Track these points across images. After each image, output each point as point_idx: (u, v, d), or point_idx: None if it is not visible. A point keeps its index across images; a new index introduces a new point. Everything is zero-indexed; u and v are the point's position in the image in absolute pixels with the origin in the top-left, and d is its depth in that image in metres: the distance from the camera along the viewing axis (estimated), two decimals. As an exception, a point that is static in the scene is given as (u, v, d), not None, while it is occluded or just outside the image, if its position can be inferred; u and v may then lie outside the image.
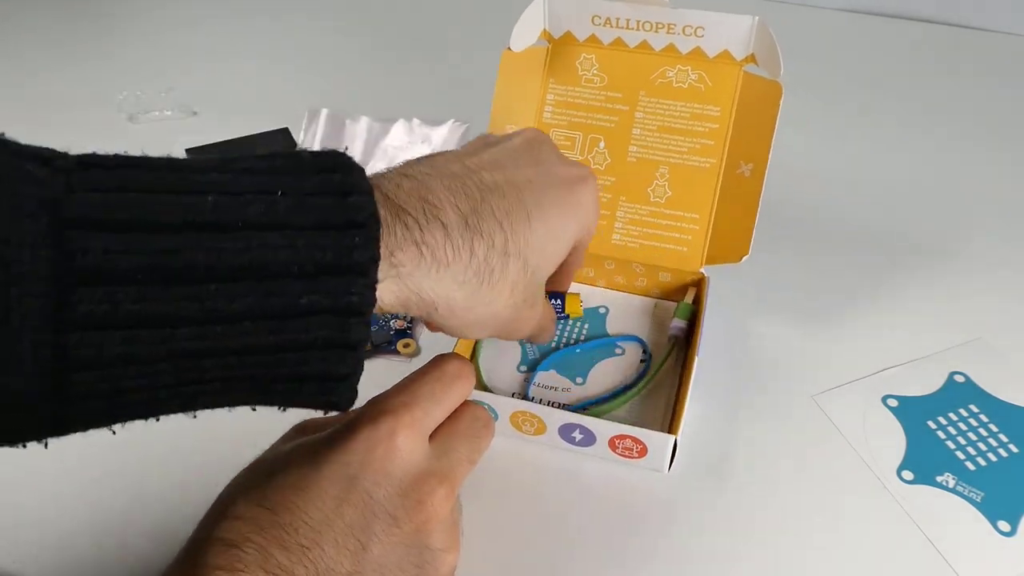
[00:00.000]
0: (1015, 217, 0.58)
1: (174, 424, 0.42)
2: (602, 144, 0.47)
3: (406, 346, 0.47)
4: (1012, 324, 0.49)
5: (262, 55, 0.76)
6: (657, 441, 0.39)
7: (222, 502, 0.29)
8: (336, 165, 0.26)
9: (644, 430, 0.39)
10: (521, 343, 0.48)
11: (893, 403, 0.45)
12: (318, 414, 0.29)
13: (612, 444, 0.40)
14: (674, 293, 0.50)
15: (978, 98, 0.70)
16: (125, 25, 0.80)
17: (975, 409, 0.44)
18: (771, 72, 0.44)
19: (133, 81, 0.70)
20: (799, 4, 0.82)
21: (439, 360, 0.33)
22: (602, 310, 0.50)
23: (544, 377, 0.46)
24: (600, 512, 0.40)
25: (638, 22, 0.46)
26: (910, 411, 0.44)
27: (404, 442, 0.29)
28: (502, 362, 0.47)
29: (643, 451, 0.40)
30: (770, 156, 0.45)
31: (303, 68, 0.74)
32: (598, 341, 0.48)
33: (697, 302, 0.47)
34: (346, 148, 0.28)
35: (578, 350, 0.47)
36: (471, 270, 0.29)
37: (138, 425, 0.42)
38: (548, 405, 0.43)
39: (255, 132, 0.60)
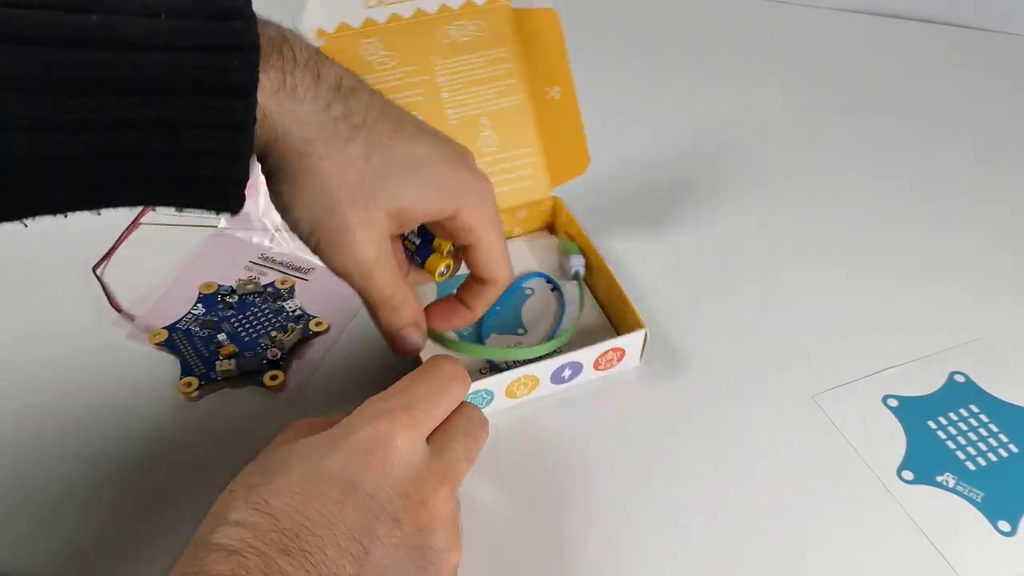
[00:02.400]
0: (1015, 217, 0.58)
1: (174, 425, 0.43)
2: (420, 117, 0.44)
3: (273, 378, 0.45)
4: (1012, 324, 0.49)
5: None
6: (631, 340, 0.44)
7: (221, 506, 0.28)
8: None
9: (620, 338, 0.44)
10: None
11: (893, 403, 0.45)
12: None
13: (597, 364, 0.44)
14: (537, 225, 0.54)
15: (978, 98, 0.70)
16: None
17: (975, 409, 0.44)
18: (538, 1, 0.48)
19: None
20: (799, 4, 0.82)
21: (435, 362, 0.34)
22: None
23: (493, 342, 0.48)
24: (596, 427, 0.43)
25: None
26: (910, 411, 0.44)
27: (404, 444, 0.30)
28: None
29: (622, 355, 0.45)
30: (572, 72, 0.49)
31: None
32: (506, 292, 0.46)
33: (570, 231, 0.52)
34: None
35: (498, 307, 0.49)
36: (321, 116, 0.31)
37: (139, 426, 0.42)
38: (516, 363, 0.43)
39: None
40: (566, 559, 0.38)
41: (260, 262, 0.52)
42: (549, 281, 0.51)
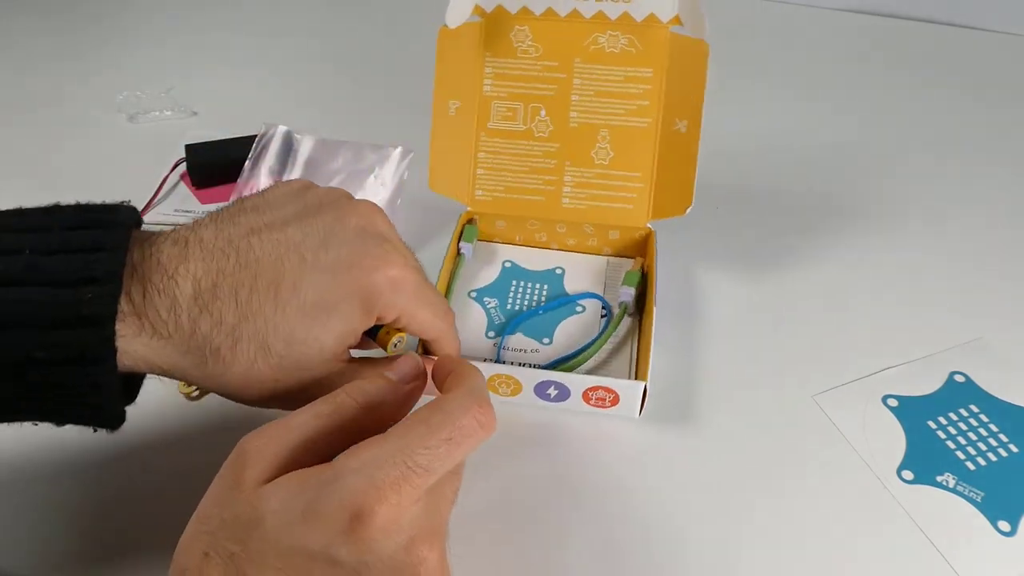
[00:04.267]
0: (1016, 218, 0.58)
1: (174, 425, 0.43)
2: (543, 112, 0.50)
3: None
4: (1012, 324, 0.49)
5: (262, 56, 0.76)
6: (628, 388, 0.42)
7: (189, 552, 0.27)
8: (98, 222, 0.30)
9: (615, 379, 0.42)
10: (484, 307, 0.50)
11: (893, 403, 0.45)
12: None
13: (586, 396, 0.43)
14: (625, 249, 0.53)
15: (978, 98, 0.70)
16: (125, 25, 0.80)
17: (975, 409, 0.44)
18: (696, 31, 0.46)
19: (133, 81, 0.70)
20: (799, 4, 0.82)
21: (460, 405, 0.29)
22: (558, 271, 0.52)
23: (512, 341, 0.48)
24: (577, 460, 0.42)
25: None
26: (910, 411, 0.44)
27: (396, 516, 0.26)
28: (470, 328, 0.49)
29: (615, 400, 0.42)
30: (703, 110, 0.47)
31: (302, 70, 0.74)
32: (559, 301, 0.50)
33: (646, 263, 0.50)
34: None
35: (541, 311, 0.50)
36: (193, 344, 0.30)
37: (139, 426, 0.41)
38: (520, 367, 0.43)
39: (254, 133, 0.60)
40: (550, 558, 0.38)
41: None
42: (604, 306, 0.50)
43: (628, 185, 0.50)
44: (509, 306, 0.50)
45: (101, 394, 0.29)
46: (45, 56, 0.75)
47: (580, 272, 0.52)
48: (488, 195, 0.51)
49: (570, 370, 0.44)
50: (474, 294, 0.51)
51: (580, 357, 0.46)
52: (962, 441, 0.43)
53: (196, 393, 0.44)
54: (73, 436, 0.41)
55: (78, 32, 0.79)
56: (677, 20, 0.47)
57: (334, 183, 0.56)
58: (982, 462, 0.42)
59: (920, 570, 0.38)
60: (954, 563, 0.38)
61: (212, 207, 0.56)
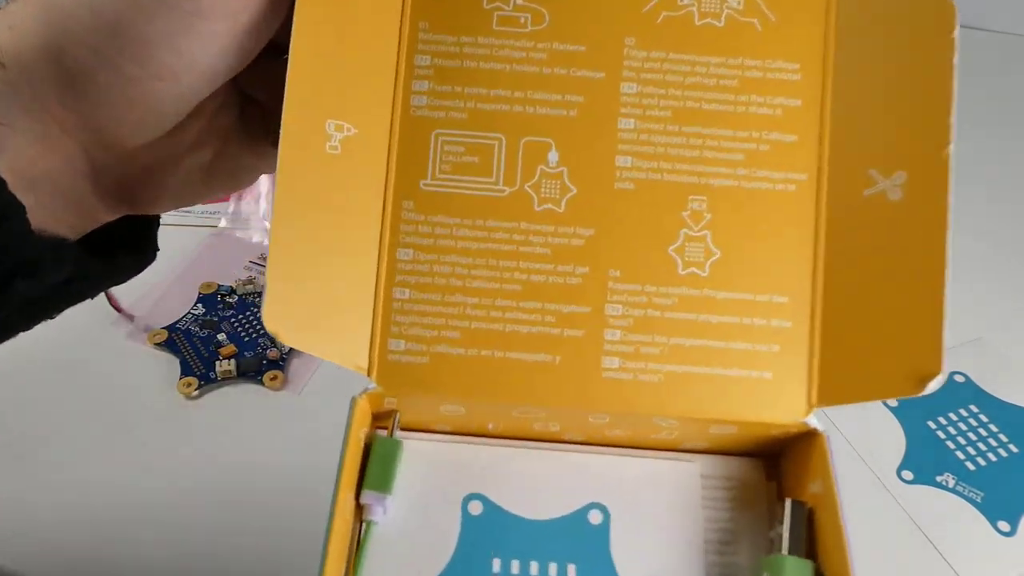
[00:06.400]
0: (1015, 218, 0.58)
1: (174, 425, 0.43)
2: (553, 156, 0.24)
3: (273, 378, 0.45)
4: (1012, 324, 0.49)
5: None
6: None
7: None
8: None
9: None
10: None
11: (893, 403, 0.45)
12: None
13: None
14: (739, 448, 0.25)
15: (978, 98, 0.70)
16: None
17: (975, 409, 0.44)
18: None
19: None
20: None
21: None
22: (595, 517, 0.23)
23: None
24: None
25: None
26: (910, 411, 0.44)
27: None
28: None
29: None
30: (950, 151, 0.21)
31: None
32: None
33: (808, 501, 0.24)
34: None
35: None
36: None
37: (139, 426, 0.42)
38: None
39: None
40: None
41: (260, 262, 0.52)
42: None
43: (757, 324, 0.23)
44: None
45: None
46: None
47: (646, 512, 0.23)
48: (419, 350, 0.23)
49: None
50: None
51: None
52: (962, 441, 0.43)
53: (196, 393, 0.44)
54: (74, 436, 0.42)
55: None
56: None
57: None
58: (982, 462, 0.42)
59: (920, 570, 0.38)
60: (954, 563, 0.38)
61: (212, 207, 0.56)
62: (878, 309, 0.23)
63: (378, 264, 0.23)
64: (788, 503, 0.23)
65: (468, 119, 0.24)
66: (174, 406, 0.44)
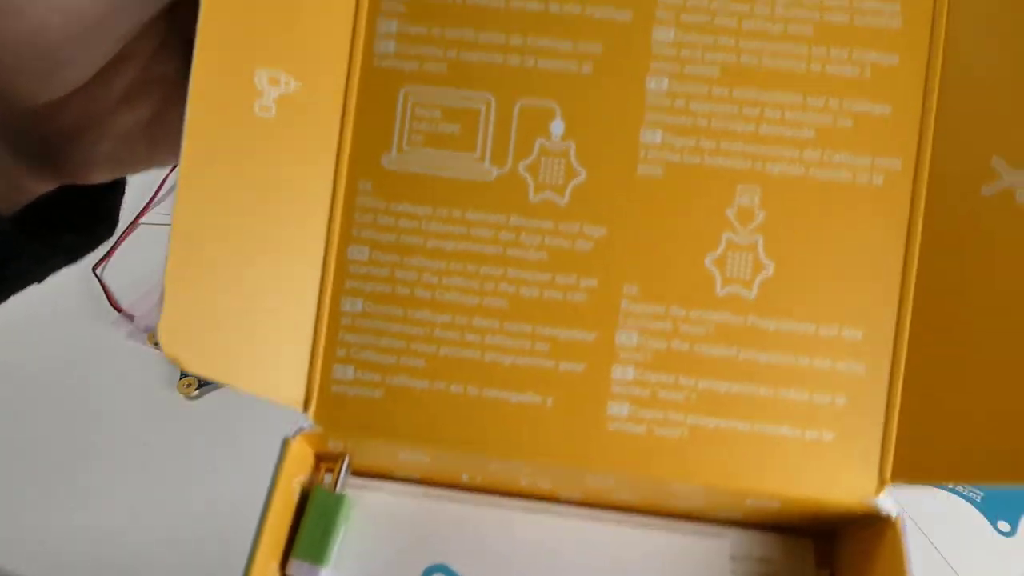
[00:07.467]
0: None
1: (174, 425, 0.43)
2: (557, 126, 0.18)
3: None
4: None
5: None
6: None
7: None
8: None
9: None
10: None
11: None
12: None
13: None
14: (788, 521, 0.19)
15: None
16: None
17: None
18: None
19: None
20: None
21: None
22: None
23: None
24: None
25: None
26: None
27: None
28: None
29: None
30: None
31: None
32: None
33: None
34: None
35: None
36: None
37: (139, 426, 0.43)
38: None
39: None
40: None
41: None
42: None
43: (819, 367, 0.17)
44: None
45: None
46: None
47: None
48: (372, 380, 0.18)
49: None
50: None
51: None
52: (963, 440, 0.41)
53: (196, 393, 0.44)
54: (74, 436, 0.43)
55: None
56: None
57: None
58: (982, 461, 0.41)
59: (920, 570, 0.36)
60: (954, 563, 0.38)
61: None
62: (990, 355, 0.16)
63: (323, 266, 0.18)
64: None
65: (448, 73, 0.18)
66: (174, 406, 0.44)
